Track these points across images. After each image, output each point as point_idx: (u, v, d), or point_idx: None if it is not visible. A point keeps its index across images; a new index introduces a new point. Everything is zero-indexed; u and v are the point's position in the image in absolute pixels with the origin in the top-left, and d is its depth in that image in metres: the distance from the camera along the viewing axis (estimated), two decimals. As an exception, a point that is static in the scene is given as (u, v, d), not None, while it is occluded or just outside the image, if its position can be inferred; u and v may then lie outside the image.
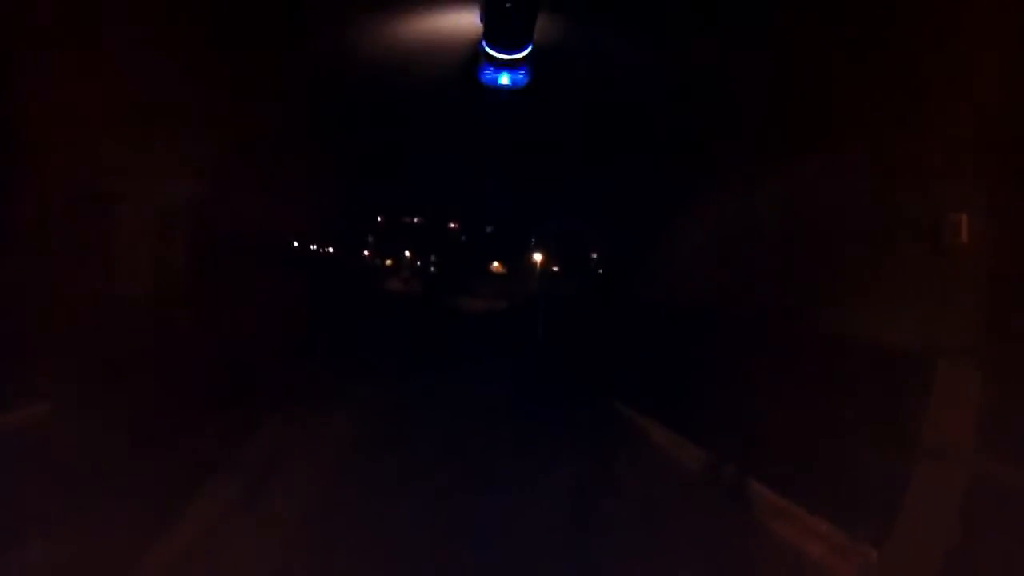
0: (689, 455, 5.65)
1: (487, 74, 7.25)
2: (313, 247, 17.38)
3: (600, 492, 5.18)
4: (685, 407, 6.44)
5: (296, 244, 14.83)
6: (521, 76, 7.34)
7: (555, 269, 25.09)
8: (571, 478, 5.41)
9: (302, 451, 5.63)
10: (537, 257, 25.80)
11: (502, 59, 6.92)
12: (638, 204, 12.20)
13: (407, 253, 33.17)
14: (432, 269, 33.34)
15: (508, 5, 5.95)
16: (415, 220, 33.15)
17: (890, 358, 4.13)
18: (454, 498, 4.94)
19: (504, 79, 7.29)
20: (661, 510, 4.90)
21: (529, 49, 6.87)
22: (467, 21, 6.80)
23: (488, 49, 6.85)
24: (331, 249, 19.52)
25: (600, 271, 18.95)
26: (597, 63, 8.06)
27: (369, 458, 5.69)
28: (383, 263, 32.20)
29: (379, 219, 29.84)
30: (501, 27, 6.44)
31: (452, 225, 32.87)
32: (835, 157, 5.34)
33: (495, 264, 31.61)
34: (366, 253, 29.22)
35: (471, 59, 7.49)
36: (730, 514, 4.73)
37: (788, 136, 6.18)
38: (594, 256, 22.12)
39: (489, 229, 32.92)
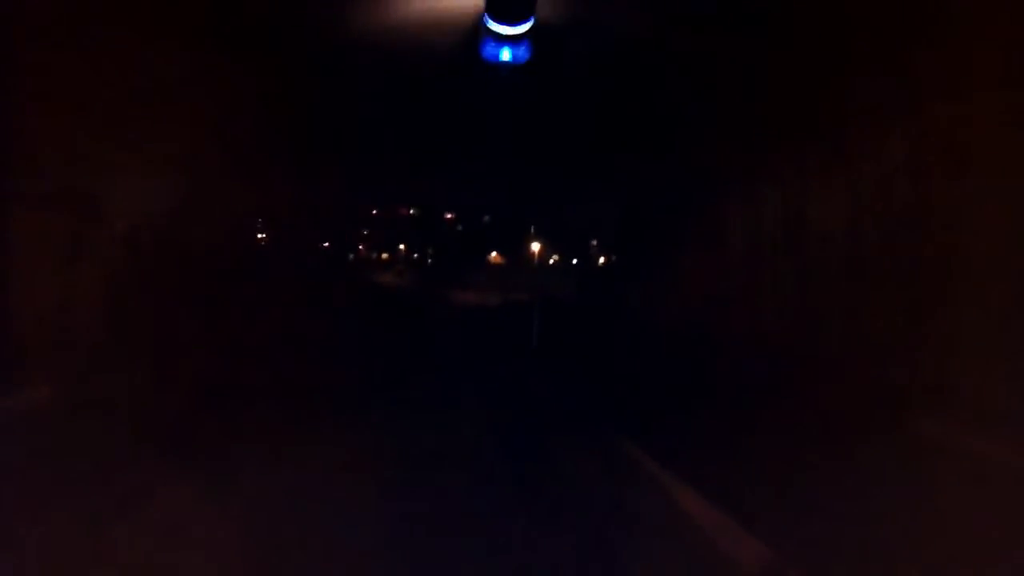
0: (737, 544, 4.41)
1: (489, 49, 7.21)
2: (302, 243, 16.63)
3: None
4: (724, 466, 5.30)
5: (280, 240, 13.93)
6: (522, 52, 7.27)
7: (554, 259, 24.25)
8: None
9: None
10: (535, 247, 24.92)
11: (504, 34, 6.82)
12: (654, 190, 11.17)
13: (401, 246, 32.29)
14: (429, 261, 32.47)
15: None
16: (410, 211, 32.25)
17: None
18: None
19: (506, 54, 7.27)
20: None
21: (531, 23, 6.71)
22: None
23: (490, 23, 6.71)
24: (325, 244, 18.71)
25: (602, 263, 18.06)
26: (601, 39, 7.70)
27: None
28: (379, 256, 31.35)
29: (373, 211, 28.94)
30: None
31: (448, 215, 31.98)
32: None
33: (493, 255, 30.72)
34: (360, 247, 28.36)
35: (472, 34, 7.38)
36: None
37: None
38: (594, 243, 21.26)
39: (487, 219, 32.01)
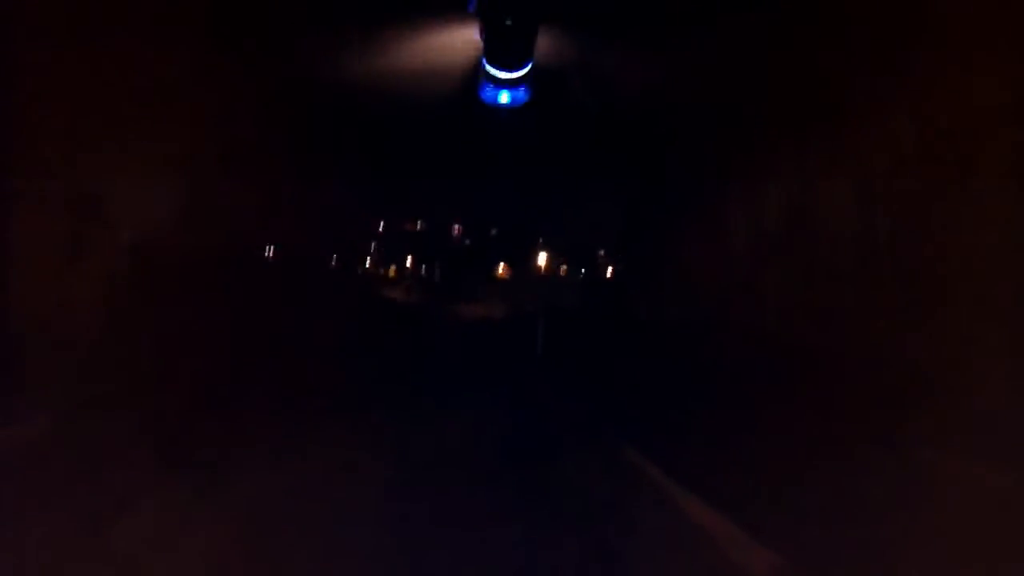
0: (750, 558, 4.32)
1: (487, 92, 7.30)
2: (310, 258, 16.65)
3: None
4: (724, 469, 5.22)
5: (291, 256, 13.92)
6: (521, 94, 7.37)
7: (562, 270, 24.14)
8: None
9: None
10: (543, 259, 24.82)
11: (502, 78, 6.90)
12: (656, 198, 11.23)
13: (408, 261, 32.26)
14: (436, 276, 32.39)
15: (508, 23, 5.89)
16: (417, 226, 32.25)
17: None
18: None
19: (504, 98, 7.36)
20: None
21: (529, 67, 6.77)
22: (467, 39, 6.76)
23: (488, 68, 6.76)
24: (333, 261, 18.72)
25: (609, 273, 17.99)
26: (599, 76, 7.92)
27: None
28: (385, 272, 31.29)
29: (380, 227, 28.96)
30: (501, 46, 6.41)
31: (455, 229, 31.93)
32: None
33: (500, 268, 30.65)
34: (368, 262, 28.34)
35: (472, 77, 7.48)
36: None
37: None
38: (601, 253, 21.18)
39: (494, 232, 31.96)
